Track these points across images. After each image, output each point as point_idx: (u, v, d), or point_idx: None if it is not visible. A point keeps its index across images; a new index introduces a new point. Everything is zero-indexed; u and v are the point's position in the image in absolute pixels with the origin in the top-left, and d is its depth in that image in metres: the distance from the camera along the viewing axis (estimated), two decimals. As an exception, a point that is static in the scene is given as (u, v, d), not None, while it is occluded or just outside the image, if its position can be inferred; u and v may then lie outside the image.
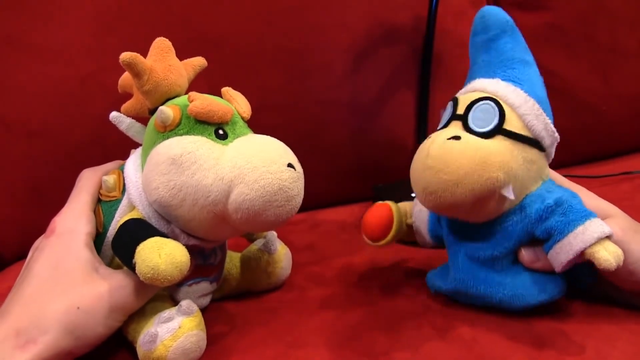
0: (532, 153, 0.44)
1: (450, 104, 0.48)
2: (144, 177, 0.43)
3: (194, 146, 0.41)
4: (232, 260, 0.53)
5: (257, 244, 0.54)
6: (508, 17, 0.48)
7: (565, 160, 0.91)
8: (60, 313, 0.38)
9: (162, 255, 0.38)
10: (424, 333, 0.45)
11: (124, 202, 0.45)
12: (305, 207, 0.78)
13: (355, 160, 0.79)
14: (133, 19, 0.65)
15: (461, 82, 0.84)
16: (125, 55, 0.42)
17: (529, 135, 0.44)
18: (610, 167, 0.87)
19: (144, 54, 0.45)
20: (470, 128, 0.45)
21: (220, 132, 0.43)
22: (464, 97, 0.47)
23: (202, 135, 0.42)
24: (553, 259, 0.43)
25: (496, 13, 0.48)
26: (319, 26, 0.73)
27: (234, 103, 0.46)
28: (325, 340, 0.45)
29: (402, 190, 0.71)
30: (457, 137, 0.43)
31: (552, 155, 0.47)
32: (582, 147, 0.93)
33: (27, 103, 0.63)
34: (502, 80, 0.46)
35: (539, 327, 0.44)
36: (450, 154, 0.42)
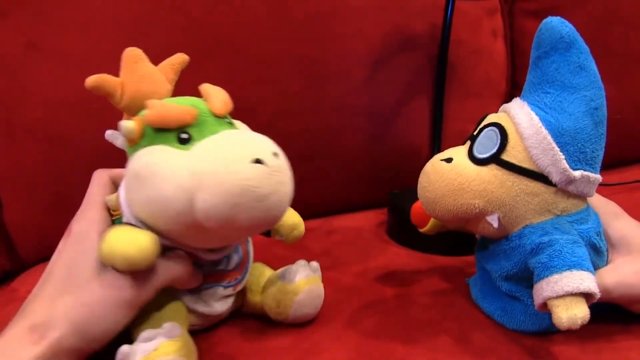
0: (535, 186, 0.43)
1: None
2: (125, 196, 0.42)
3: (151, 158, 0.39)
4: (261, 277, 0.51)
5: (280, 269, 0.51)
6: (565, 32, 0.43)
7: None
8: (67, 309, 0.39)
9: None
10: (440, 341, 0.45)
11: (124, 219, 0.43)
12: (321, 213, 0.79)
13: (371, 166, 0.79)
14: (153, 26, 0.66)
15: (475, 90, 0.85)
16: (89, 80, 0.41)
17: (532, 168, 0.43)
18: (624, 174, 0.87)
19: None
20: (471, 151, 0.46)
21: (184, 136, 0.40)
22: (489, 116, 0.47)
23: (165, 143, 0.40)
24: (533, 295, 0.42)
25: (552, 27, 0.43)
26: (336, 34, 0.73)
27: (208, 101, 0.43)
28: (341, 347, 0.45)
29: (416, 197, 0.71)
30: (449, 160, 0.46)
31: (585, 191, 0.44)
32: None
33: (49, 108, 0.64)
34: (530, 105, 0.45)
35: (554, 338, 0.45)
36: (434, 175, 0.46)
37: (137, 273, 0.40)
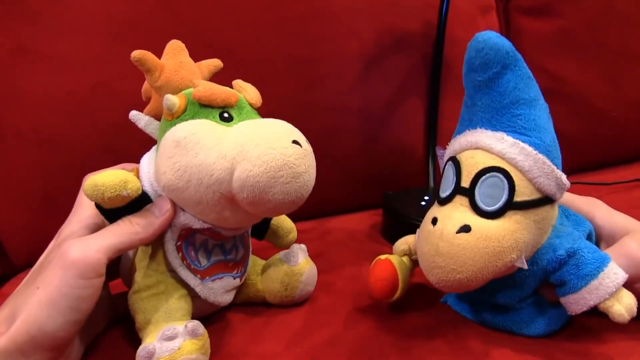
0: (543, 211, 0.42)
1: (450, 166, 0.45)
2: (156, 166, 0.43)
3: (197, 128, 0.42)
4: (255, 266, 0.53)
5: (281, 254, 0.53)
6: (508, 47, 0.41)
7: (576, 166, 0.90)
8: (31, 301, 0.38)
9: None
10: (434, 346, 0.45)
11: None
12: (316, 214, 0.79)
13: (365, 167, 0.79)
14: (144, 28, 0.66)
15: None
16: (135, 53, 0.43)
17: (540, 196, 0.41)
18: (622, 173, 0.87)
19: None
20: (478, 207, 0.42)
21: (225, 115, 0.44)
22: (467, 160, 0.44)
23: (207, 118, 0.43)
24: (567, 305, 0.42)
25: (495, 44, 0.41)
26: (329, 35, 0.73)
27: (243, 92, 0.47)
28: (335, 352, 0.45)
29: (411, 198, 0.71)
30: (466, 229, 0.41)
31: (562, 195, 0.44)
32: (592, 154, 0.93)
33: (39, 111, 0.64)
34: (508, 134, 0.42)
35: (550, 342, 0.44)
36: (463, 252, 0.41)
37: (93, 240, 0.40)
